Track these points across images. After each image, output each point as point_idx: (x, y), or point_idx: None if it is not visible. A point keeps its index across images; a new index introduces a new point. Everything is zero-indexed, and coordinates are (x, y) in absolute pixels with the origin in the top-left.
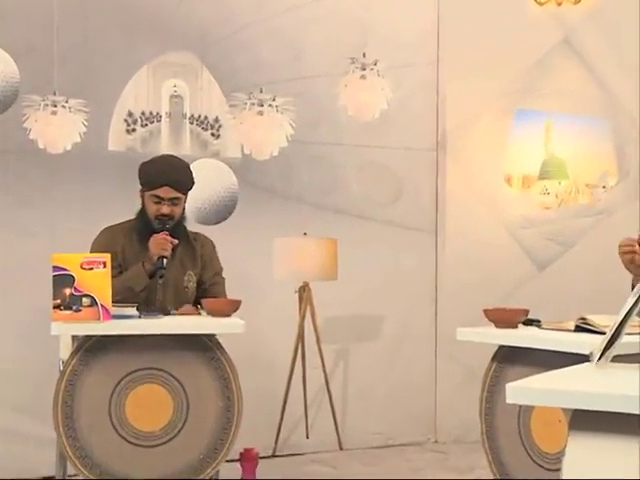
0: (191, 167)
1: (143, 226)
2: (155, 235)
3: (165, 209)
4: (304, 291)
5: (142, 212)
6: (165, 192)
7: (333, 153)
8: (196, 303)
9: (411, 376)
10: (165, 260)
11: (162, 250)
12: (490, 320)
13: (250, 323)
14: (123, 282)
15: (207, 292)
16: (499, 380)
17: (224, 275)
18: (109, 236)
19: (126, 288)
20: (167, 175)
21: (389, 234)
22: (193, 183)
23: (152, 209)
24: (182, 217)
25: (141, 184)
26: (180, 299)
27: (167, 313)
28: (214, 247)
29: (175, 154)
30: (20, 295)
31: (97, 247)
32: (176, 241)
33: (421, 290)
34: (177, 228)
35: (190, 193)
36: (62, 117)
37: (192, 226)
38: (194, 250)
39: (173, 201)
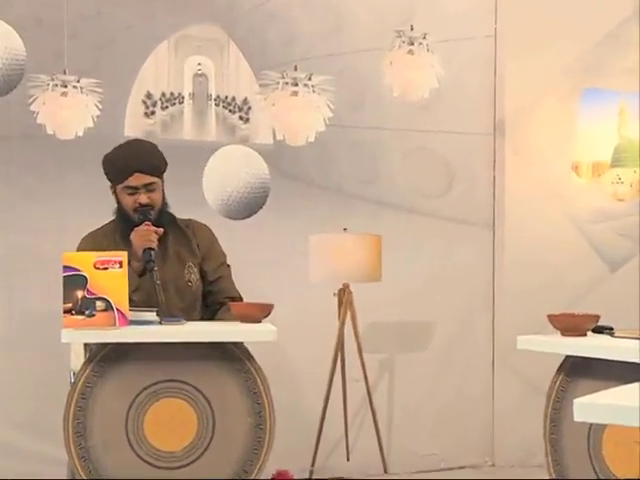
0: (159, 147)
1: (124, 224)
2: (136, 228)
3: (142, 198)
4: (344, 294)
5: (119, 210)
6: (137, 179)
7: (376, 138)
8: (204, 300)
9: (465, 390)
10: (152, 252)
11: (147, 241)
12: (555, 327)
13: (283, 330)
14: None
15: (213, 287)
16: (566, 395)
17: (228, 262)
18: (91, 242)
19: None
20: (134, 160)
21: (439, 229)
22: (166, 164)
23: (128, 202)
24: (164, 204)
25: (110, 180)
26: (185, 297)
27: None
28: (211, 232)
29: (199, 140)
30: (26, 299)
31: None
32: (161, 230)
33: (476, 293)
34: (162, 217)
35: (215, 184)
36: (73, 99)
37: (218, 221)
38: (188, 239)
39: (148, 187)
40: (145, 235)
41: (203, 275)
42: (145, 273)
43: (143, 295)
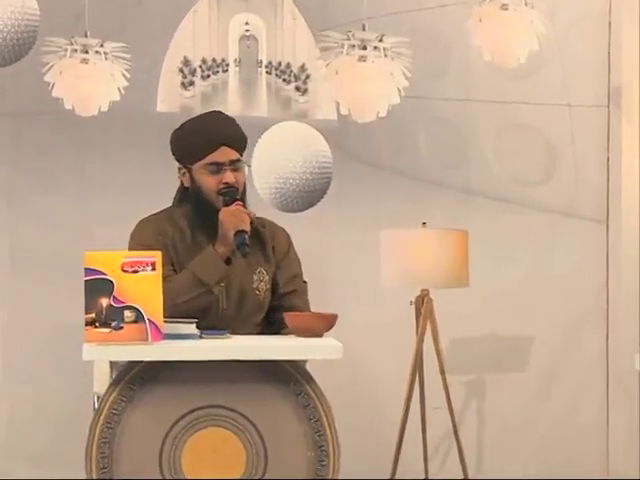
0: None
1: (200, 210)
2: (225, 208)
3: (229, 176)
4: (422, 302)
5: (193, 194)
6: (223, 154)
7: (462, 112)
8: (269, 315)
9: (573, 419)
10: (246, 236)
11: (240, 222)
12: None
13: (348, 345)
14: (189, 277)
15: (283, 302)
16: None
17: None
18: (153, 228)
19: (195, 284)
20: (221, 130)
21: (540, 224)
22: (247, 141)
23: (211, 183)
24: (245, 189)
25: (183, 157)
26: (247, 306)
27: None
28: (290, 238)
29: (247, 116)
30: (40, 308)
31: (139, 242)
32: (254, 213)
33: (586, 301)
34: (243, 204)
35: (266, 170)
36: (96, 67)
37: (269, 214)
38: (263, 240)
39: (235, 165)
40: (237, 215)
41: (274, 286)
42: (230, 263)
43: (210, 297)
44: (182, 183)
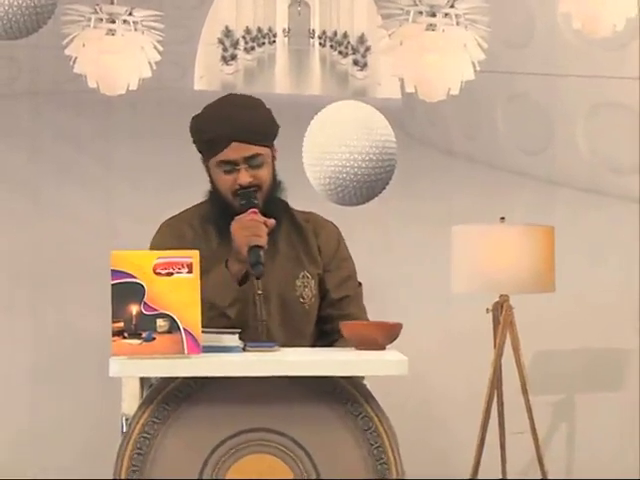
0: (266, 105)
1: (219, 212)
2: (238, 217)
3: (243, 177)
4: (501, 310)
5: (213, 192)
6: (235, 151)
7: (547, 90)
8: (319, 325)
9: None
10: (261, 252)
11: (253, 237)
12: None
13: (414, 360)
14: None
15: (334, 310)
16: None
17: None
18: (171, 233)
19: (206, 307)
20: (230, 124)
21: (636, 218)
22: (276, 127)
23: (225, 183)
24: (275, 184)
25: (200, 151)
26: (291, 317)
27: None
28: (340, 234)
29: (297, 94)
30: (60, 315)
31: (156, 249)
32: (272, 221)
33: None
34: (271, 203)
35: (319, 157)
36: (123, 39)
37: (322, 208)
38: (306, 238)
39: (252, 162)
40: (251, 227)
41: (323, 292)
42: (247, 280)
43: (241, 310)
44: None
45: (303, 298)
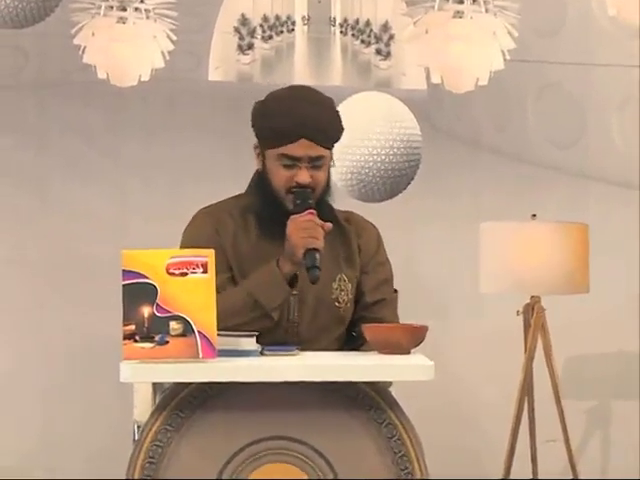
0: (336, 106)
1: (266, 205)
2: (295, 217)
3: (303, 175)
4: (532, 312)
5: (263, 182)
6: (302, 148)
7: (580, 80)
8: (350, 328)
9: None
10: (318, 255)
11: (311, 239)
12: None
13: (441, 365)
14: (244, 297)
15: (368, 313)
16: None
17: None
18: (211, 222)
19: (250, 306)
20: (303, 120)
21: None
22: (343, 130)
23: (281, 177)
24: (327, 188)
25: (260, 138)
26: (325, 318)
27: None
28: (379, 235)
29: (318, 84)
30: (68, 317)
31: (192, 240)
32: (329, 225)
33: None
34: (321, 206)
35: (341, 151)
36: (135, 27)
37: (345, 204)
38: (348, 240)
39: (315, 162)
40: (309, 229)
41: (358, 295)
42: (296, 283)
43: (282, 312)
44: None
45: (339, 302)
